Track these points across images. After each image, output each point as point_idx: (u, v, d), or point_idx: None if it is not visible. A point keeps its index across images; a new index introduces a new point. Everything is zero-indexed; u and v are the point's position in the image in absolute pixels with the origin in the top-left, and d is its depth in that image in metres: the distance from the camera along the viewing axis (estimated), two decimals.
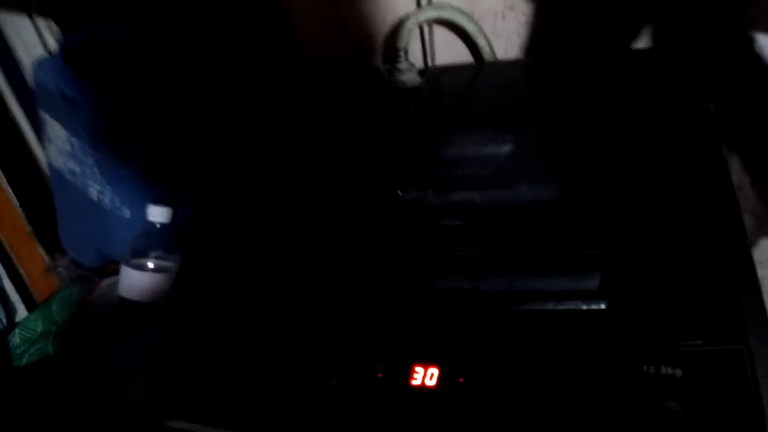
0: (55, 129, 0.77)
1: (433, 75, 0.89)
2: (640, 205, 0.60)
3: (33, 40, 0.92)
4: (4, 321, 0.90)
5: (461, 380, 0.51)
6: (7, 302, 0.92)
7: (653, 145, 0.66)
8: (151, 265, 0.76)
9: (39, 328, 0.88)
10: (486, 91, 0.86)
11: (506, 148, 0.74)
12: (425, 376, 0.52)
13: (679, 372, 0.49)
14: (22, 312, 0.94)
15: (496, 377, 0.51)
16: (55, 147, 0.80)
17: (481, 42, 0.87)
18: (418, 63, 0.92)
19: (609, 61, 0.82)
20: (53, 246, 0.96)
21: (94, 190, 0.80)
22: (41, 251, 0.97)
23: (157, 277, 0.74)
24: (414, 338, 0.54)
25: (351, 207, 0.69)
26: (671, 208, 0.59)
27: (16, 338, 0.88)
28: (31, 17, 0.93)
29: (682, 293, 0.53)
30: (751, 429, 0.46)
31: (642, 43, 0.86)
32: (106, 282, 0.86)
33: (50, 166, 0.84)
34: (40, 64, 0.76)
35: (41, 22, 0.94)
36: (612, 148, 0.68)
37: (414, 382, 0.52)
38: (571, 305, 0.54)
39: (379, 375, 0.53)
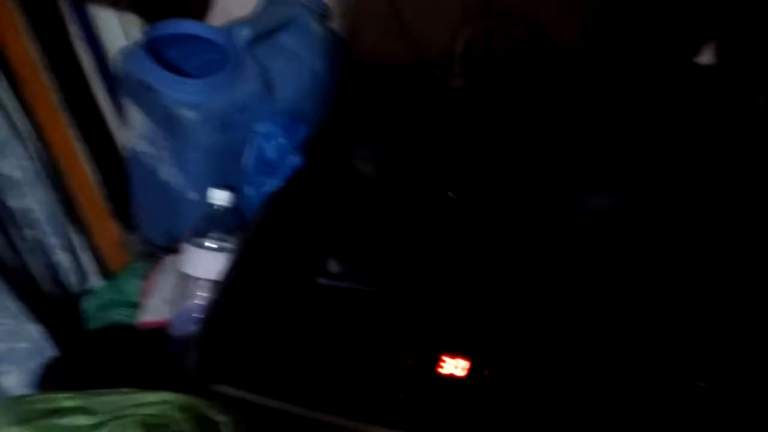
0: (134, 113, 0.84)
1: (490, 79, 0.91)
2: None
3: (119, 33, 1.00)
4: (80, 288, 0.98)
5: (486, 372, 0.54)
6: (84, 272, 1.00)
7: (709, 163, 0.67)
8: (210, 244, 0.81)
9: (109, 297, 0.96)
10: (541, 97, 0.88)
11: (556, 156, 0.76)
12: (453, 365, 0.55)
13: None
14: (95, 281, 1.02)
15: (520, 372, 0.54)
16: (133, 131, 0.87)
17: (538, 49, 0.88)
18: (474, 68, 0.94)
19: (667, 76, 0.82)
20: (127, 223, 1.04)
21: (165, 172, 0.86)
22: (116, 227, 1.05)
23: (216, 255, 0.79)
24: (444, 329, 0.57)
25: (402, 207, 0.73)
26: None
27: (89, 304, 0.96)
28: (118, 12, 1.01)
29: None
30: None
31: (704, 59, 0.86)
32: (169, 258, 0.93)
33: (128, 148, 0.92)
34: (125, 54, 0.83)
35: (128, 17, 1.01)
36: (667, 163, 0.68)
37: (441, 371, 0.55)
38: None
39: (410, 361, 0.56)
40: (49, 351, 0.79)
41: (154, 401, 0.57)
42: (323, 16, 0.94)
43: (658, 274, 0.57)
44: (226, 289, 0.67)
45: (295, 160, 0.80)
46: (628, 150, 0.73)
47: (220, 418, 0.55)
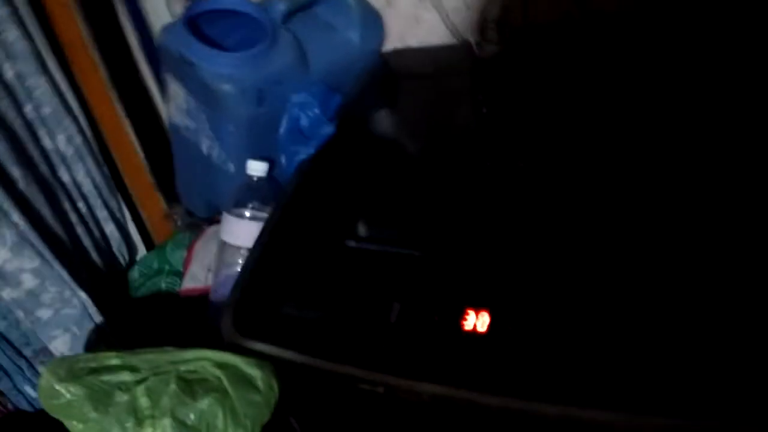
0: (175, 88, 0.87)
1: (525, 41, 0.90)
2: None
3: (163, 10, 1.03)
4: (127, 258, 1.03)
5: (509, 327, 0.55)
6: (130, 242, 1.05)
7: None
8: (247, 214, 0.84)
9: (155, 266, 1.00)
10: (579, 54, 0.85)
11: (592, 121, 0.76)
12: (476, 321, 0.56)
13: None
14: (142, 251, 1.07)
15: (543, 326, 0.54)
16: (175, 105, 0.90)
17: (577, 15, 0.87)
18: (510, 35, 0.93)
19: (709, 47, 0.79)
20: (171, 196, 1.08)
21: (205, 146, 0.89)
22: (161, 200, 1.09)
23: (252, 224, 0.82)
24: (468, 287, 0.58)
25: (425, 173, 0.74)
26: None
27: (135, 273, 1.00)
28: None
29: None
30: None
31: None
32: (211, 229, 0.96)
33: (170, 122, 0.95)
34: (165, 30, 0.85)
35: None
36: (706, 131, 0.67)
37: (465, 326, 0.56)
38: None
39: (435, 318, 0.57)
40: (96, 317, 0.83)
41: (192, 358, 0.60)
42: None
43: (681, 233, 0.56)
44: (259, 252, 0.69)
45: (328, 129, 0.81)
46: (669, 122, 0.71)
47: (256, 372, 0.57)
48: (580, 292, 0.55)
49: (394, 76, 0.96)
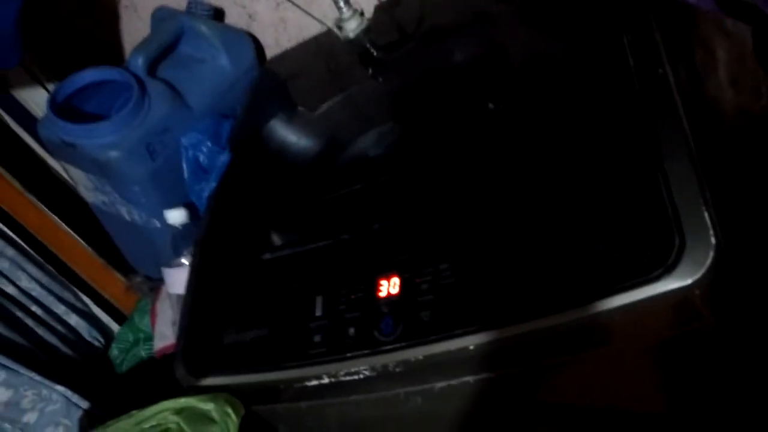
0: (73, 172, 0.89)
1: (381, 13, 0.92)
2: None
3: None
4: (102, 340, 1.06)
5: (417, 281, 0.57)
6: (100, 325, 1.08)
7: None
8: (185, 261, 0.86)
9: (130, 338, 1.03)
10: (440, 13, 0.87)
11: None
12: (389, 286, 0.58)
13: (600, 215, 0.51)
14: (116, 329, 1.10)
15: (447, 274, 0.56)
16: (83, 186, 0.92)
17: None
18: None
19: None
20: (127, 267, 1.10)
21: (124, 212, 0.91)
22: (118, 275, 1.12)
23: None
24: (373, 259, 0.61)
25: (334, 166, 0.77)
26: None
27: (114, 351, 1.03)
28: (41, 83, 1.06)
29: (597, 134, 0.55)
30: (671, 250, 0.47)
31: None
32: (163, 286, 0.98)
33: (89, 203, 0.97)
34: (40, 124, 0.87)
35: (50, 85, 1.06)
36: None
37: (381, 294, 0.58)
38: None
39: (352, 296, 0.59)
40: (82, 404, 0.86)
41: (153, 413, 0.63)
42: (211, 15, 0.96)
43: None
44: (191, 294, 0.72)
45: (224, 158, 0.83)
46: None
47: (209, 406, 0.60)
48: (466, 238, 0.58)
49: (280, 81, 0.98)
